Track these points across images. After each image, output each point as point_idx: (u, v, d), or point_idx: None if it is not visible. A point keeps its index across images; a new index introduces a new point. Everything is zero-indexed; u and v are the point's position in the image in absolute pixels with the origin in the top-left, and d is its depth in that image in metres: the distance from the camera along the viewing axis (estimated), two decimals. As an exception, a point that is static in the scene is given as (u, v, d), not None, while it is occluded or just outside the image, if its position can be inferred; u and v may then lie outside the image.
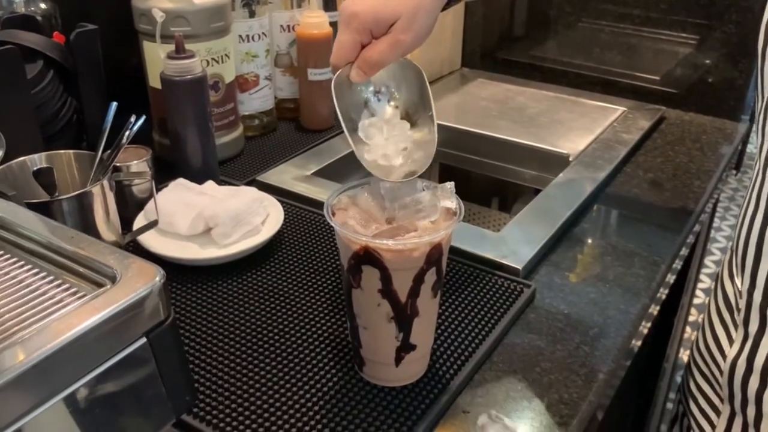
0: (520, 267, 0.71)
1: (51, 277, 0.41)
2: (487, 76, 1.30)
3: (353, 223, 0.50)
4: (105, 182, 0.66)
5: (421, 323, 0.54)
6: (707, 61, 1.13)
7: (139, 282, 0.40)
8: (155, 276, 0.40)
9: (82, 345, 0.36)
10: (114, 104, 0.68)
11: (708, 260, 2.44)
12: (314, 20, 0.99)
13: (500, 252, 0.73)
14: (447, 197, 0.53)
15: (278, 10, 1.03)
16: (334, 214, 0.52)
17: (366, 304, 0.53)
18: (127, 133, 0.65)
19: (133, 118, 0.65)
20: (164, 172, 0.83)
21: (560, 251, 0.77)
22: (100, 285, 0.40)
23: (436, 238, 0.49)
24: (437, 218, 0.51)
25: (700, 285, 2.30)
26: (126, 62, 0.95)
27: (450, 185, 0.53)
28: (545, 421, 0.54)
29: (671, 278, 0.82)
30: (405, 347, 0.54)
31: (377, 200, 0.51)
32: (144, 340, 0.39)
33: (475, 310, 0.66)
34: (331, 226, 0.79)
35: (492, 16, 1.35)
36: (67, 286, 0.41)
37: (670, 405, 1.84)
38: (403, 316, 0.52)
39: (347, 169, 0.98)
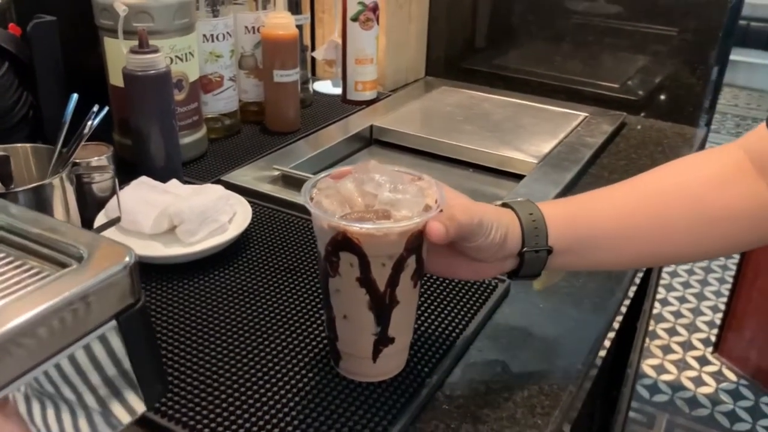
0: (493, 263, 0.70)
1: (10, 258, 0.39)
2: (452, 84, 1.31)
3: (327, 203, 0.49)
4: (64, 175, 0.62)
5: (400, 314, 0.52)
6: (666, 69, 1.16)
7: (107, 262, 0.37)
8: (125, 256, 0.38)
9: (44, 327, 0.34)
10: (75, 96, 0.65)
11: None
12: (280, 21, 0.97)
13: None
14: (432, 195, 0.51)
15: (243, 11, 1.01)
16: (312, 199, 0.50)
17: (343, 293, 0.51)
18: (89, 123, 0.62)
19: (96, 108, 0.62)
20: (126, 173, 0.80)
21: (532, 248, 0.76)
22: (66, 266, 0.38)
23: (409, 225, 0.48)
24: (418, 211, 0.49)
25: (657, 296, 2.34)
26: (84, 62, 0.91)
27: (435, 181, 0.52)
28: (527, 412, 0.53)
29: (638, 277, 0.82)
30: (383, 340, 0.53)
31: (360, 189, 0.50)
32: (113, 323, 0.37)
33: (451, 305, 0.64)
34: (301, 225, 0.77)
35: (455, 25, 1.36)
36: (27, 267, 0.38)
37: (632, 414, 1.86)
38: (382, 307, 0.51)
39: (314, 170, 0.97)
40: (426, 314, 0.63)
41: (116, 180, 0.67)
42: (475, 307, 0.64)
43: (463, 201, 0.51)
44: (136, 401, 0.38)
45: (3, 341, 0.32)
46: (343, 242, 0.48)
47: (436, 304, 0.64)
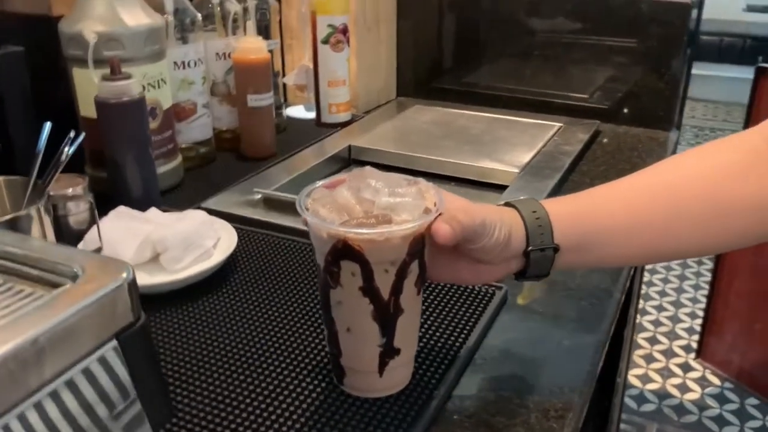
0: (488, 271, 0.69)
1: (-2, 282, 0.36)
2: (424, 103, 1.31)
3: (324, 212, 0.47)
4: (41, 206, 0.60)
5: (405, 323, 0.50)
6: (634, 76, 1.18)
7: (104, 279, 0.35)
8: (122, 272, 0.36)
9: (40, 351, 0.31)
10: (48, 124, 0.63)
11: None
12: (252, 45, 0.97)
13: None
14: (430, 198, 0.50)
15: (213, 37, 1.00)
16: (307, 209, 0.49)
17: (345, 304, 0.49)
18: (66, 149, 0.59)
19: (72, 134, 0.60)
20: (101, 206, 0.77)
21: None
22: (59, 286, 0.35)
23: (412, 228, 0.47)
24: (418, 214, 0.48)
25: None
26: (52, 96, 0.88)
27: (432, 185, 0.51)
28: (541, 416, 0.52)
29: (627, 282, 0.82)
30: (389, 351, 0.51)
31: (356, 196, 0.48)
32: (114, 342, 0.34)
33: (450, 315, 0.63)
34: (288, 246, 0.75)
35: (423, 46, 1.37)
36: (17, 290, 0.36)
37: (622, 425, 1.85)
38: (387, 316, 0.49)
39: (296, 192, 0.95)
40: (426, 325, 0.61)
41: (95, 209, 0.64)
42: (475, 316, 0.63)
43: (463, 203, 0.50)
44: (141, 426, 0.35)
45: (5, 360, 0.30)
46: (344, 250, 0.46)
47: (436, 314, 0.63)
